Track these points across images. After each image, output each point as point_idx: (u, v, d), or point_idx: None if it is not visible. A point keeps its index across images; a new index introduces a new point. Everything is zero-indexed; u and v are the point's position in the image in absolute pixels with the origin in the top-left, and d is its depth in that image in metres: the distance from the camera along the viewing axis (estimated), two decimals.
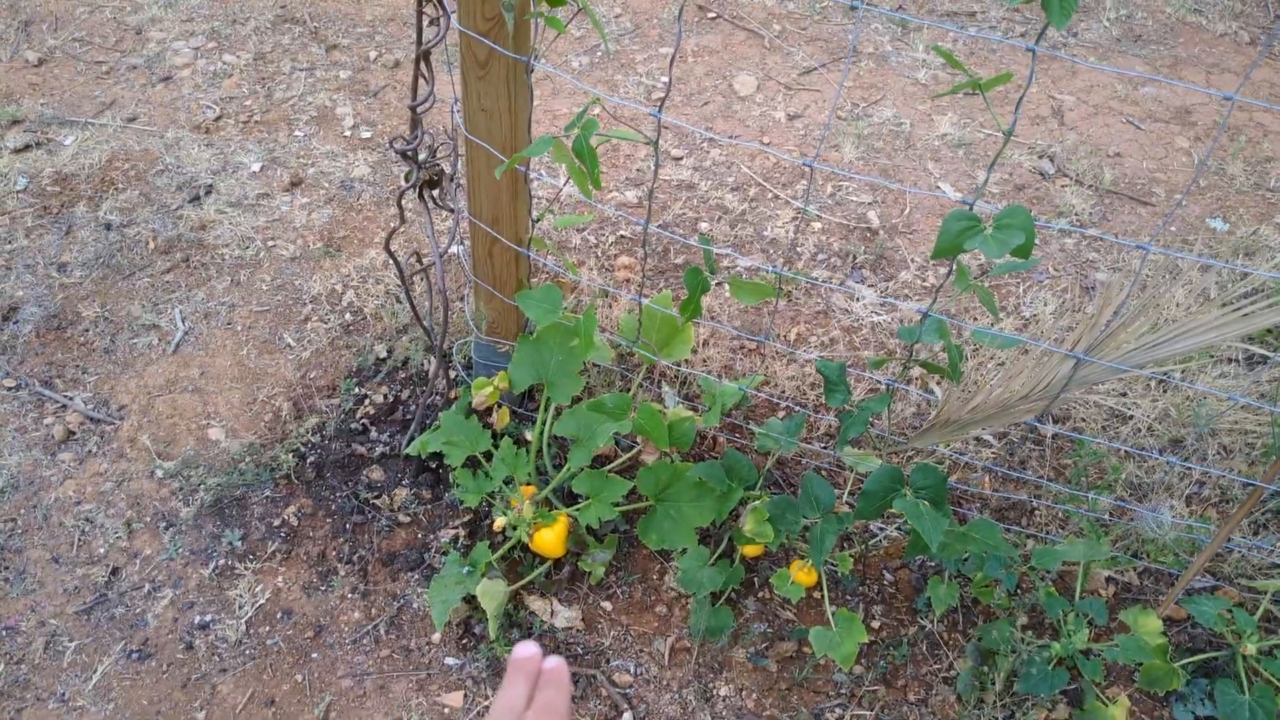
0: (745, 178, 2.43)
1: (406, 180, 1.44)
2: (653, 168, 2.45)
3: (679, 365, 1.78)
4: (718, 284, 2.13)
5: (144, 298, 2.06)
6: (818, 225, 2.31)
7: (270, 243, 2.19)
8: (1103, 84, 2.80)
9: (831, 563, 1.60)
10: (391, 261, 1.57)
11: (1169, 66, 2.89)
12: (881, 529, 1.73)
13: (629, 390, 1.76)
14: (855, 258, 2.22)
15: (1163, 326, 1.18)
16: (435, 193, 1.48)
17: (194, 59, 2.70)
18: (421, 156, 1.45)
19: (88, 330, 2.01)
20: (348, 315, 2.05)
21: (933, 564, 1.67)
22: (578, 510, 1.55)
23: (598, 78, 2.74)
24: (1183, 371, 1.96)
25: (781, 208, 2.36)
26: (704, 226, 2.30)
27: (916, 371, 1.89)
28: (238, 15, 2.87)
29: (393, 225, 1.62)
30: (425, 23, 1.29)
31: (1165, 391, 1.93)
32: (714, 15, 3.00)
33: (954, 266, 1.18)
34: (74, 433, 1.84)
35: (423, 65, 1.32)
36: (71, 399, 1.89)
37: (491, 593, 1.49)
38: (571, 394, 1.55)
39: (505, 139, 1.39)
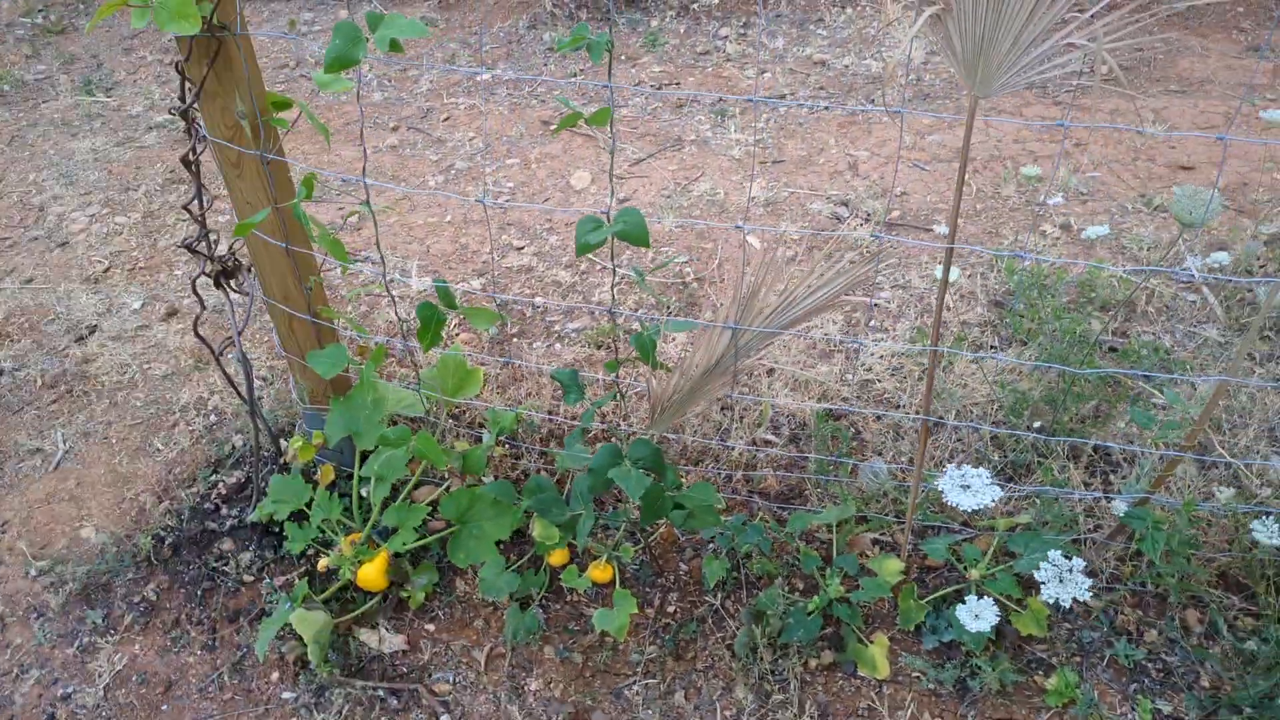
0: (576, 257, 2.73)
1: (206, 272, 1.71)
2: (498, 257, 2.75)
3: (472, 401, 2.01)
4: (463, 324, 2.41)
5: (30, 428, 2.31)
6: (636, 283, 2.58)
7: (146, 366, 2.45)
8: (893, 138, 3.14)
9: (630, 561, 1.79)
10: (204, 344, 1.82)
11: (952, 113, 3.25)
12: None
13: (439, 434, 1.98)
14: (669, 308, 2.49)
15: (786, 294, 1.43)
16: (232, 281, 1.75)
17: (89, 224, 3.03)
18: (220, 252, 1.73)
19: None
20: (212, 417, 2.29)
21: (712, 547, 1.86)
22: (388, 541, 1.76)
23: (450, 190, 3.08)
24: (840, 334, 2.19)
25: (608, 278, 2.64)
26: (538, 300, 2.57)
27: (646, 370, 2.13)
28: (130, 183, 3.23)
29: (196, 312, 1.88)
30: (190, 138, 1.59)
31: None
32: (555, 128, 3.38)
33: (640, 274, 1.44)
34: None
35: (196, 174, 1.61)
36: None
37: (308, 621, 1.67)
38: (374, 439, 1.77)
39: (274, 226, 1.67)
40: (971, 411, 2.08)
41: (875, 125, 3.24)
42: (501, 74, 3.83)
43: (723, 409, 2.12)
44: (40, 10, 4.52)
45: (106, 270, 2.81)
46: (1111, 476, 1.92)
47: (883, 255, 2.57)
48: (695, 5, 4.11)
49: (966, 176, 2.93)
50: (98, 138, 3.55)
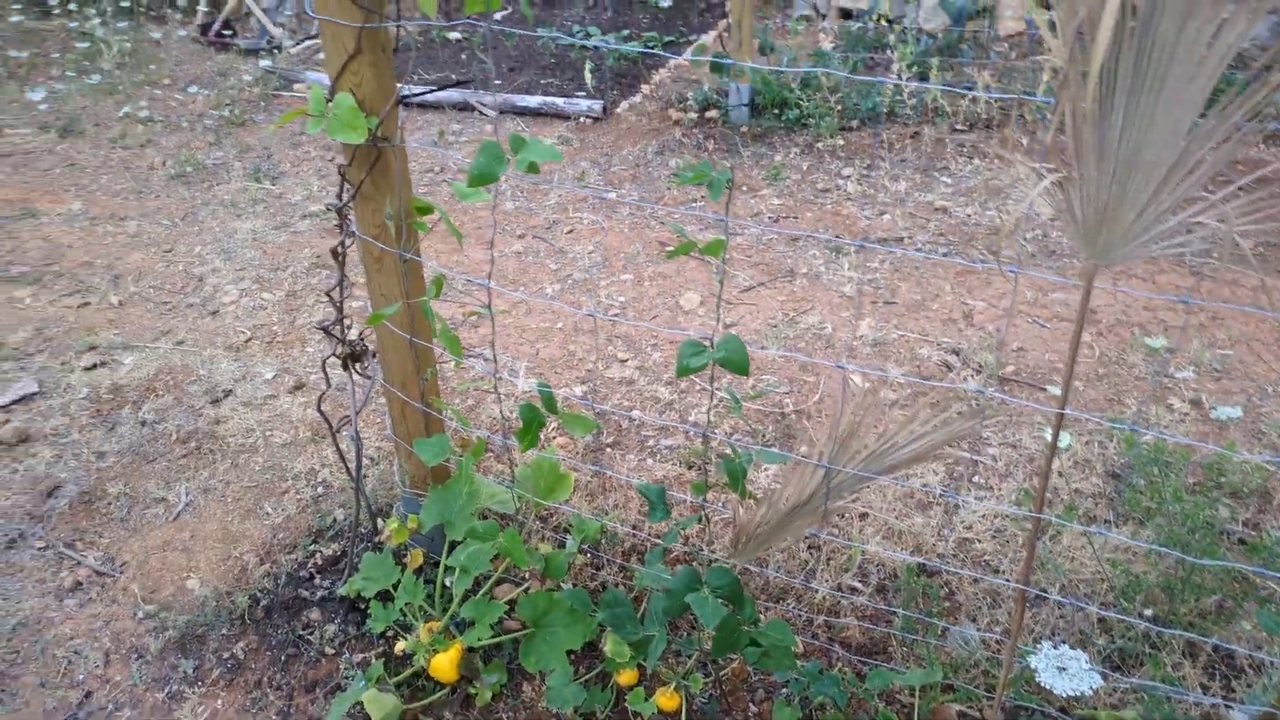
0: None
1: (337, 354, 1.85)
2: (603, 367, 2.85)
3: (560, 505, 2.07)
4: (561, 428, 2.44)
5: (159, 477, 2.48)
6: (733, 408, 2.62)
7: (269, 433, 2.62)
8: (1012, 290, 3.14)
9: (699, 693, 1.78)
10: (324, 420, 1.95)
11: (1077, 273, 3.22)
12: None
13: (526, 532, 2.04)
14: (764, 436, 2.51)
15: (885, 438, 1.45)
16: (358, 364, 1.89)
17: (239, 297, 3.30)
18: (351, 336, 1.87)
19: (110, 504, 2.42)
20: (319, 488, 2.42)
21: (785, 692, 1.83)
22: (464, 634, 1.80)
23: (565, 300, 3.22)
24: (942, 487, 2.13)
25: (707, 398, 2.69)
26: (635, 413, 2.64)
27: (734, 497, 2.12)
28: (280, 264, 3.51)
29: (321, 389, 2.01)
30: (341, 232, 1.75)
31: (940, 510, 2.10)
32: (672, 249, 3.51)
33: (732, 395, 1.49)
34: (81, 583, 2.19)
35: (341, 264, 1.76)
36: (85, 557, 2.26)
37: (379, 703, 1.72)
38: (464, 531, 1.84)
39: (403, 319, 1.80)
40: (1078, 588, 2.00)
41: (994, 276, 3.25)
42: (626, 195, 4.03)
43: (810, 547, 2.11)
44: (227, 105, 5.02)
45: (247, 341, 3.03)
46: (1234, 682, 1.80)
47: (991, 412, 2.54)
48: (820, 144, 4.26)
49: (1089, 339, 2.90)
50: (258, 220, 3.88)
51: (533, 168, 1.53)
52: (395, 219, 1.72)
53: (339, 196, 1.77)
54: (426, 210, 1.79)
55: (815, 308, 3.11)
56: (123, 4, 6.15)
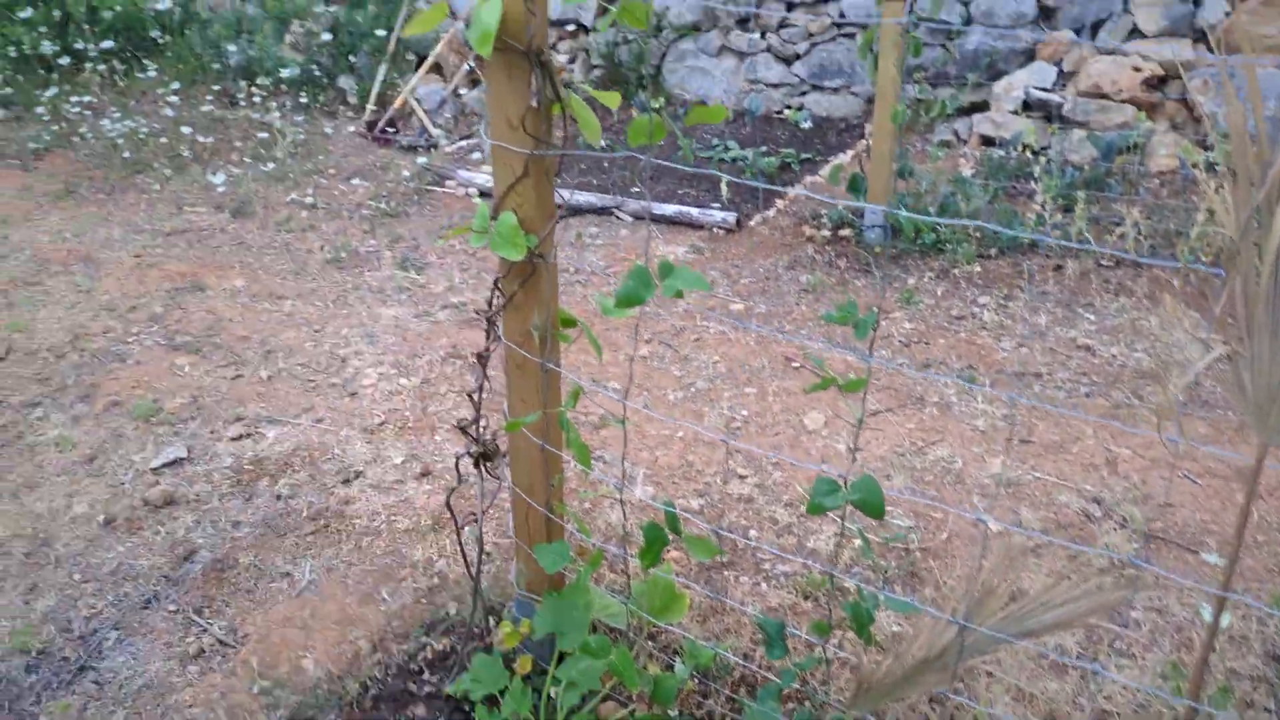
0: (800, 496, 2.75)
1: (470, 453, 1.90)
2: (721, 482, 2.82)
3: (673, 627, 2.03)
4: (676, 542, 2.39)
5: (287, 553, 2.57)
6: (858, 542, 2.55)
7: (393, 518, 2.69)
8: (1160, 438, 2.97)
9: None
10: (450, 514, 1.99)
11: (1234, 430, 3.04)
12: None
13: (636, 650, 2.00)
14: (887, 573, 2.43)
15: (1027, 601, 1.38)
16: (488, 464, 1.93)
17: (377, 381, 3.45)
18: (486, 436, 1.92)
19: (240, 574, 2.52)
20: (435, 579, 2.46)
21: None
22: None
23: (687, 409, 3.23)
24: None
25: (827, 524, 2.63)
26: (753, 533, 2.60)
27: (855, 639, 2.02)
28: (418, 351, 3.66)
29: (452, 485, 2.06)
30: (487, 338, 1.82)
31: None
32: (798, 365, 3.50)
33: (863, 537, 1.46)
34: (204, 651, 2.27)
35: (484, 368, 1.83)
36: (211, 625, 2.35)
37: None
38: (576, 643, 1.83)
39: (538, 425, 1.84)
40: None
41: (1141, 421, 3.09)
42: (755, 306, 4.05)
43: (931, 701, 2.00)
44: (384, 197, 5.36)
45: (381, 424, 3.15)
46: None
47: (1144, 584, 2.39)
48: (956, 270, 4.20)
49: (1249, 502, 2.71)
50: (402, 307, 4.08)
51: (678, 294, 1.57)
52: (541, 329, 1.77)
53: (489, 303, 1.84)
54: (571, 323, 1.85)
55: (945, 439, 3.02)
56: (301, 99, 6.71)
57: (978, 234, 4.35)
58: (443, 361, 3.60)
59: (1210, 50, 4.96)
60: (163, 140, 6.10)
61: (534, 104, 1.61)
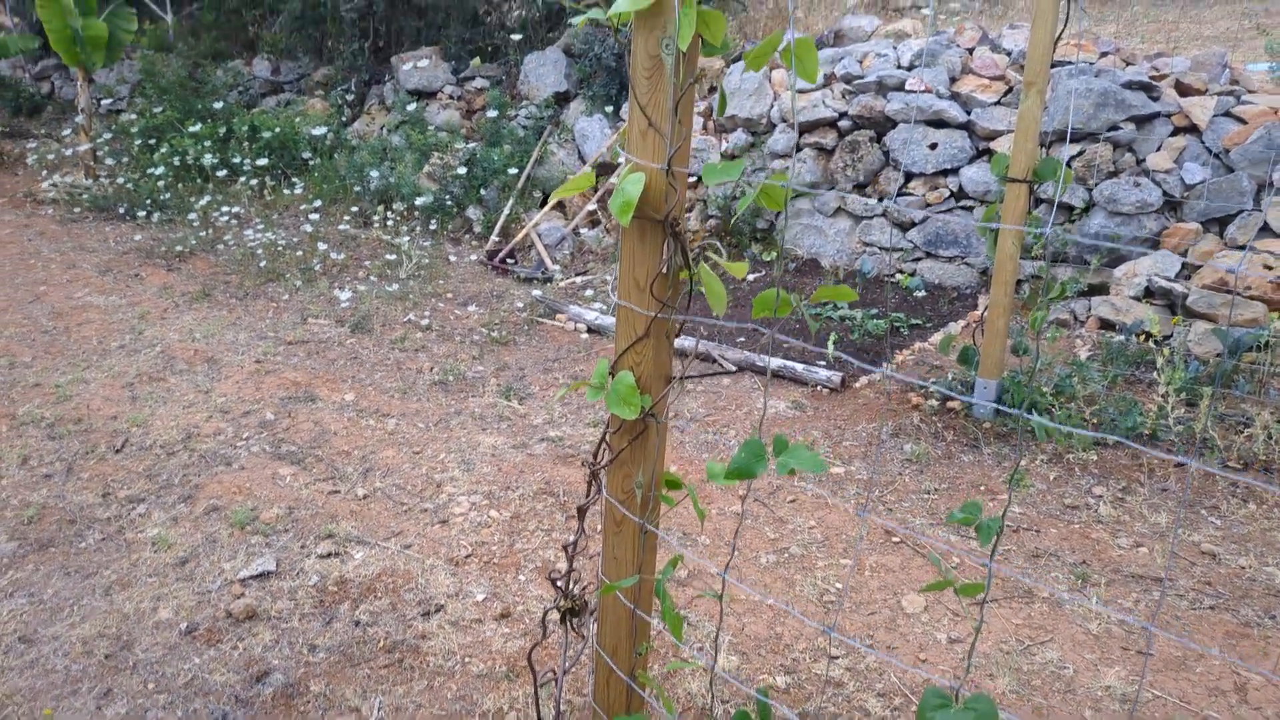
0: (893, 686, 2.58)
1: (558, 606, 1.85)
2: (810, 660, 2.68)
3: None
4: None
5: (359, 685, 2.53)
6: None
7: (467, 660, 2.63)
8: None
9: None
10: (530, 668, 1.92)
11: None
12: None
13: None
14: None
15: None
16: (575, 620, 1.87)
17: (468, 510, 3.45)
18: (575, 590, 1.87)
19: (309, 702, 2.48)
20: None
21: None
22: None
23: (779, 574, 3.11)
24: None
25: None
26: None
27: None
28: (511, 484, 3.66)
29: (535, 638, 2.00)
30: (588, 491, 1.80)
31: None
32: (898, 540, 3.35)
33: None
34: None
35: (581, 521, 1.80)
36: None
37: None
38: None
39: (632, 590, 1.78)
40: None
41: (1275, 645, 2.83)
42: (856, 471, 3.94)
43: None
44: (496, 324, 5.52)
45: (468, 556, 3.13)
46: None
47: None
48: (1070, 456, 4.02)
49: None
50: (500, 436, 4.12)
51: (791, 471, 1.52)
52: (644, 488, 1.74)
53: (594, 456, 1.83)
54: (676, 484, 1.81)
55: (1054, 640, 2.81)
56: (431, 226, 7.07)
57: (1094, 420, 4.18)
58: (534, 496, 3.59)
59: None
60: (298, 253, 6.48)
61: (663, 270, 1.64)
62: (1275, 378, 4.64)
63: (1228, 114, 5.28)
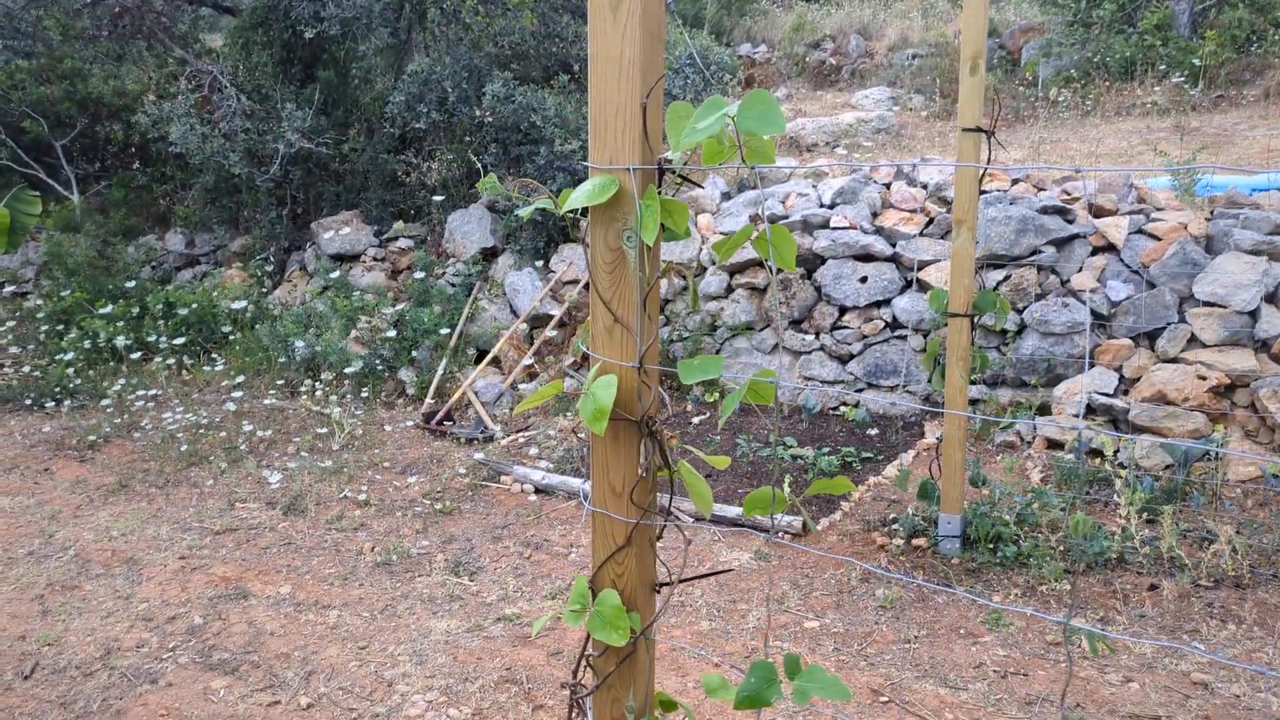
0: None
1: None
2: None
3: None
4: None
5: None
6: None
7: None
8: None
9: None
10: None
11: None
12: None
13: None
14: None
15: None
16: None
17: (425, 711, 3.15)
18: None
19: None
20: None
21: None
22: None
23: None
24: None
25: None
26: None
27: None
28: (470, 674, 3.38)
29: None
30: (570, 715, 1.60)
31: None
32: (885, 699, 3.16)
33: None
34: None
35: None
36: None
37: None
38: None
39: None
40: None
41: None
42: (831, 624, 3.77)
43: None
44: (438, 493, 5.29)
45: None
46: None
47: None
48: (1043, 588, 3.92)
49: None
50: (454, 619, 3.84)
51: (805, 697, 1.37)
52: (635, 712, 1.56)
53: (574, 672, 1.64)
54: (670, 706, 1.63)
55: None
56: (363, 394, 6.87)
57: (1060, 547, 4.12)
58: (496, 687, 3.31)
59: (1275, 360, 4.93)
60: (222, 434, 6.19)
61: (642, 473, 1.51)
62: (1226, 486, 4.68)
63: (1141, 231, 5.51)
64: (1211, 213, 5.58)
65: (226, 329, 7.83)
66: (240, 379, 7.06)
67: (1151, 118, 10.14)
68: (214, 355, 7.72)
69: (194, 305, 7.80)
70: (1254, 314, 5.05)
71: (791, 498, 1.89)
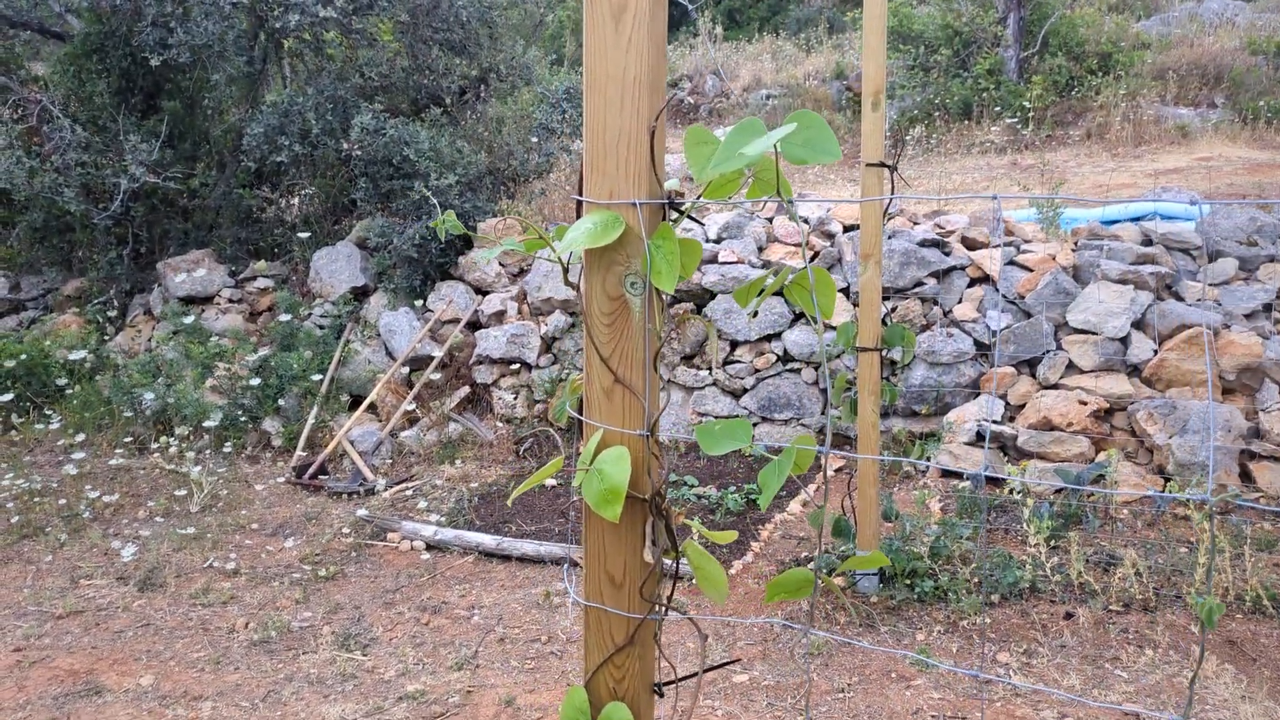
0: None
1: None
2: None
3: None
4: None
5: None
6: None
7: None
8: None
9: None
10: None
11: None
12: None
13: None
14: None
15: None
16: None
17: None
18: None
19: None
20: None
21: None
22: None
23: None
24: None
25: None
26: None
27: None
28: None
29: None
30: None
31: None
32: None
33: None
34: None
35: None
36: None
37: None
38: None
39: None
40: None
41: None
42: (761, 676, 3.61)
43: None
44: (318, 555, 4.83)
45: None
46: None
47: None
48: (964, 622, 3.89)
49: None
50: (349, 703, 3.45)
51: None
52: None
53: None
54: None
55: None
56: (224, 448, 6.28)
57: (975, 579, 4.11)
58: None
59: (1147, 384, 5.16)
60: (60, 500, 5.50)
61: (649, 558, 1.29)
62: (1116, 509, 4.82)
63: (1013, 263, 5.70)
64: (1076, 244, 5.83)
65: (62, 381, 7.04)
66: (80, 437, 6.33)
67: (990, 155, 10.73)
68: (48, 411, 6.92)
69: (22, 356, 6.98)
70: (1125, 340, 5.28)
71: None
